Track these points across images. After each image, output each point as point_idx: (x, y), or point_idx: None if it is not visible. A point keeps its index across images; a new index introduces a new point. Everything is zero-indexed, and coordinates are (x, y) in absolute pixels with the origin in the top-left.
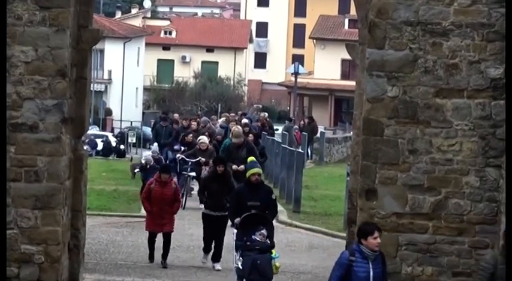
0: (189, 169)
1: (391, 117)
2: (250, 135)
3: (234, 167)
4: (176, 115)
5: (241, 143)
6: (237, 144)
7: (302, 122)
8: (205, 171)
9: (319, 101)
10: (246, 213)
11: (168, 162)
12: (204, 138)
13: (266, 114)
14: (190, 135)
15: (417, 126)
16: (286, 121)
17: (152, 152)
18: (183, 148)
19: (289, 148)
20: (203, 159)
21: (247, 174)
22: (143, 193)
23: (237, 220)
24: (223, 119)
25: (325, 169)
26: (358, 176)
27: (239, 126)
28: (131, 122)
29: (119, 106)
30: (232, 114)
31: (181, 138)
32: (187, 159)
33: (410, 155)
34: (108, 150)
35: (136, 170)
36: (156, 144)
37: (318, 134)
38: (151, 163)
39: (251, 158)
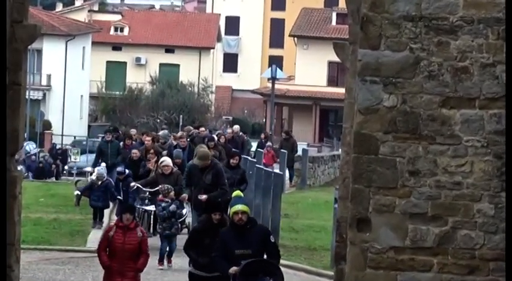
0: (146, 201)
1: (388, 132)
2: (215, 152)
3: (199, 196)
4: (133, 131)
5: (207, 166)
6: (200, 166)
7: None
8: (163, 203)
9: (301, 111)
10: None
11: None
12: (167, 160)
13: (238, 127)
14: (135, 151)
15: (419, 142)
16: (262, 135)
17: (98, 174)
18: (127, 171)
19: (266, 168)
20: (167, 186)
21: (230, 213)
22: (100, 242)
23: (234, 269)
24: (182, 133)
25: (309, 194)
26: (348, 203)
27: (203, 146)
28: (74, 137)
29: (59, 118)
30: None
31: (127, 156)
32: (144, 188)
33: (411, 178)
34: (40, 171)
35: (76, 192)
36: (103, 164)
37: (299, 152)
38: (104, 179)
39: (237, 193)
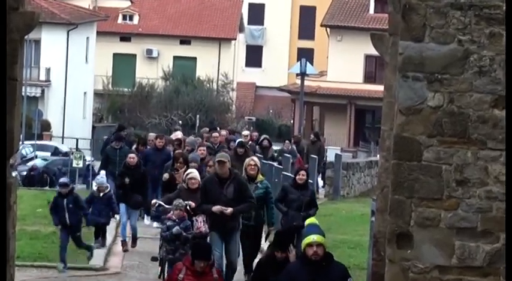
0: (168, 223)
1: (433, 135)
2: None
3: (215, 208)
4: (152, 135)
5: (227, 176)
6: (219, 176)
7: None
8: (198, 225)
9: (334, 112)
10: None
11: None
12: (194, 173)
13: (246, 133)
14: (132, 156)
15: (468, 147)
16: (286, 141)
17: (98, 184)
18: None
19: (288, 173)
20: (192, 203)
21: (303, 245)
22: None
23: None
24: (193, 139)
25: (342, 206)
26: (386, 216)
27: (225, 150)
28: (77, 140)
29: (60, 118)
30: (222, 132)
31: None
32: (167, 206)
33: (458, 187)
34: (30, 178)
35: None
36: (103, 172)
37: (328, 157)
38: (106, 191)
39: (311, 220)
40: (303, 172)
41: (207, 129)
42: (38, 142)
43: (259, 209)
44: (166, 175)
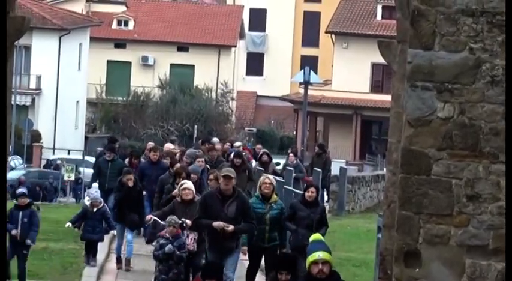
0: (161, 241)
1: (443, 148)
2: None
3: (216, 224)
4: (151, 144)
5: (230, 193)
6: (222, 193)
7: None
8: (187, 241)
9: (339, 123)
10: None
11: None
12: (188, 183)
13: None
14: (130, 177)
15: (480, 161)
16: (290, 154)
17: (92, 199)
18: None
19: (296, 190)
20: (188, 222)
21: (307, 262)
22: None
23: None
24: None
25: (347, 222)
26: (394, 232)
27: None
28: (68, 151)
29: (51, 128)
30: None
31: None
32: (162, 222)
33: (469, 203)
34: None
35: (67, 224)
36: (95, 185)
37: (333, 171)
38: (100, 206)
39: (316, 236)
40: (312, 189)
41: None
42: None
43: (273, 230)
44: (176, 191)
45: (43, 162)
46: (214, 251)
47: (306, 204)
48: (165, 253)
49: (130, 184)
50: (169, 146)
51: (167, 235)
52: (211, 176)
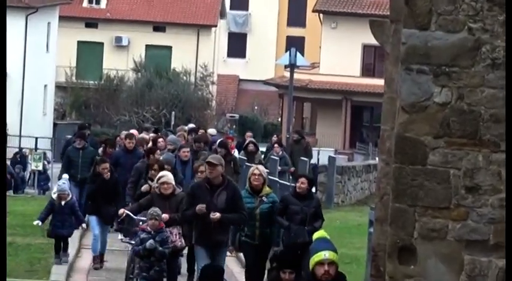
0: (142, 235)
1: (440, 136)
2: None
3: (199, 207)
4: (123, 133)
5: (219, 182)
6: (210, 182)
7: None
8: (172, 238)
9: (328, 109)
10: None
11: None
12: (167, 176)
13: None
14: (106, 166)
15: (479, 150)
16: (275, 145)
17: (59, 191)
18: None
19: (281, 181)
20: (166, 215)
21: (311, 263)
22: None
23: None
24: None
25: (336, 215)
26: (387, 227)
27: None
28: (36, 139)
29: (17, 114)
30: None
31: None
32: (135, 217)
33: (468, 195)
34: None
35: (36, 222)
36: (66, 177)
37: (321, 160)
38: (68, 198)
39: (321, 233)
40: (302, 179)
41: (185, 127)
42: None
43: (265, 226)
44: (146, 186)
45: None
46: (203, 246)
47: (299, 197)
48: (146, 248)
49: (106, 174)
50: (172, 136)
51: (148, 228)
52: (202, 168)
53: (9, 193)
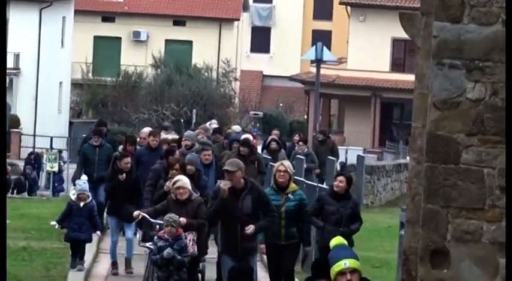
0: (159, 243)
1: (473, 133)
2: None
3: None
4: (145, 131)
5: (242, 186)
6: (233, 187)
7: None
8: (187, 243)
9: (356, 106)
10: None
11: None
12: (183, 180)
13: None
14: (127, 160)
15: None
16: (300, 142)
17: (79, 191)
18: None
19: (307, 181)
20: (183, 219)
21: (332, 273)
22: None
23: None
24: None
25: (365, 217)
26: (418, 229)
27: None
28: (51, 138)
29: (31, 112)
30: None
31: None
32: (153, 220)
33: (503, 195)
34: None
35: (53, 223)
36: (84, 177)
37: (349, 160)
38: (88, 200)
39: (339, 240)
40: (340, 178)
41: (207, 126)
42: None
43: (291, 225)
44: (168, 184)
45: (23, 151)
46: (229, 255)
47: (335, 197)
48: (163, 257)
49: (126, 167)
50: (190, 132)
51: (166, 236)
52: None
53: (24, 195)
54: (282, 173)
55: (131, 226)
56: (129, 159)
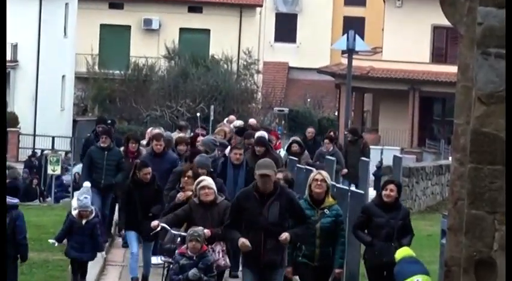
0: (181, 261)
1: None
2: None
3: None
4: (158, 130)
5: (271, 190)
6: (259, 191)
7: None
8: (215, 257)
9: (392, 101)
10: None
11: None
12: (207, 180)
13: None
14: (148, 171)
15: None
16: (325, 140)
17: (80, 207)
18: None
19: (338, 185)
20: (207, 231)
21: None
22: None
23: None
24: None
25: None
26: (462, 237)
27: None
28: (53, 138)
29: (30, 110)
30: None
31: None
32: (175, 232)
33: None
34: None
35: (51, 241)
36: (87, 185)
37: (385, 161)
38: (91, 216)
39: (405, 251)
40: (391, 186)
41: (233, 117)
42: None
43: (326, 245)
44: (181, 194)
45: (21, 152)
46: (250, 268)
47: (384, 207)
48: (188, 279)
49: (145, 177)
50: (208, 137)
51: (189, 253)
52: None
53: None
54: (319, 183)
55: (149, 246)
56: (149, 169)
